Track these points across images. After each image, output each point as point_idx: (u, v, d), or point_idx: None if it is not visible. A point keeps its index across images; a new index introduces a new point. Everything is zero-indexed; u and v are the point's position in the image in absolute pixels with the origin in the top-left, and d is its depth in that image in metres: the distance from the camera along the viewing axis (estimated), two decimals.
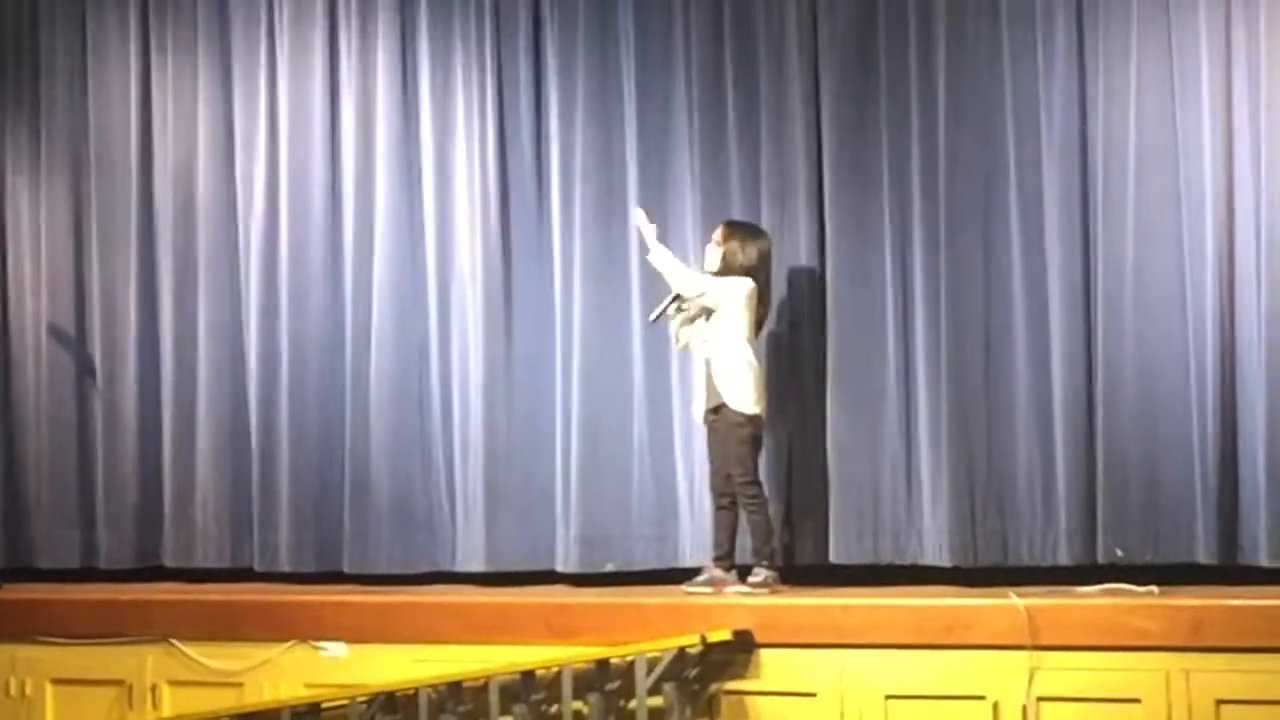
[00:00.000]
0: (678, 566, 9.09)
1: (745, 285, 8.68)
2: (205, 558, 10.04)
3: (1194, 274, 8.35)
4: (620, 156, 9.43)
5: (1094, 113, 8.59)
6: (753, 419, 8.61)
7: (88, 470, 10.36)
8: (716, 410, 8.63)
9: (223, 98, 10.21)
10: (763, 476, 8.69)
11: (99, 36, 10.48)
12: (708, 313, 8.66)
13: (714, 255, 8.74)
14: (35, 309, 10.51)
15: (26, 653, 9.34)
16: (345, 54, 9.96)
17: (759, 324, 8.75)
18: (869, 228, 8.94)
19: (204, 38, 10.24)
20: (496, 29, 9.67)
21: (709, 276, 8.73)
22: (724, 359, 8.61)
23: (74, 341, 10.41)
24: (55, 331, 10.43)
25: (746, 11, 9.21)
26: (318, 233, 9.95)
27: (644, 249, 8.88)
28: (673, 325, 8.82)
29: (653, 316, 8.82)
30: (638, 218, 8.91)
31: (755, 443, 8.65)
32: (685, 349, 8.83)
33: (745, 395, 8.60)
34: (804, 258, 9.03)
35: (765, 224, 9.00)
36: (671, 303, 8.74)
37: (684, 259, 9.14)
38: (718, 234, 8.77)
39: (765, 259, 8.76)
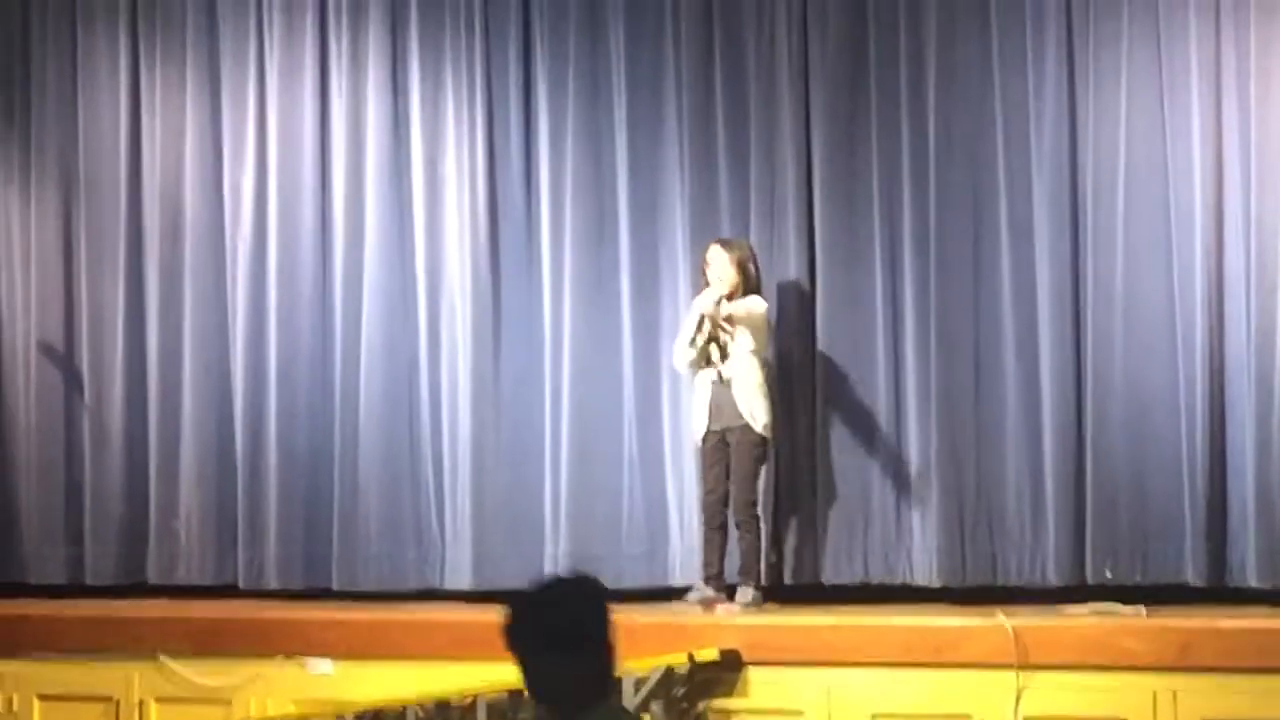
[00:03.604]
0: (666, 585, 9.08)
1: (764, 304, 8.71)
2: (189, 574, 9.99)
3: (1183, 294, 8.37)
4: (610, 175, 9.41)
5: (1084, 132, 8.61)
6: (766, 440, 8.62)
7: (75, 486, 10.28)
8: (728, 431, 8.58)
9: (212, 115, 10.15)
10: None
11: (89, 52, 10.42)
12: (726, 333, 8.60)
13: (730, 272, 8.61)
14: (25, 325, 10.43)
15: (15, 668, 9.29)
16: (336, 72, 9.92)
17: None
18: (859, 247, 8.95)
19: (193, 55, 10.18)
20: (487, 48, 9.64)
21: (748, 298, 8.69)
22: (745, 380, 8.58)
23: (63, 358, 10.38)
24: (45, 348, 10.39)
25: (737, 31, 9.21)
26: (307, 251, 9.91)
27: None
28: (694, 347, 8.66)
29: (694, 342, 8.63)
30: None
31: (764, 464, 8.67)
32: (694, 370, 8.69)
33: (764, 416, 8.58)
34: (794, 277, 9.02)
35: (755, 243, 8.99)
36: (700, 324, 8.61)
37: (674, 277, 9.16)
38: (732, 253, 8.64)
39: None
